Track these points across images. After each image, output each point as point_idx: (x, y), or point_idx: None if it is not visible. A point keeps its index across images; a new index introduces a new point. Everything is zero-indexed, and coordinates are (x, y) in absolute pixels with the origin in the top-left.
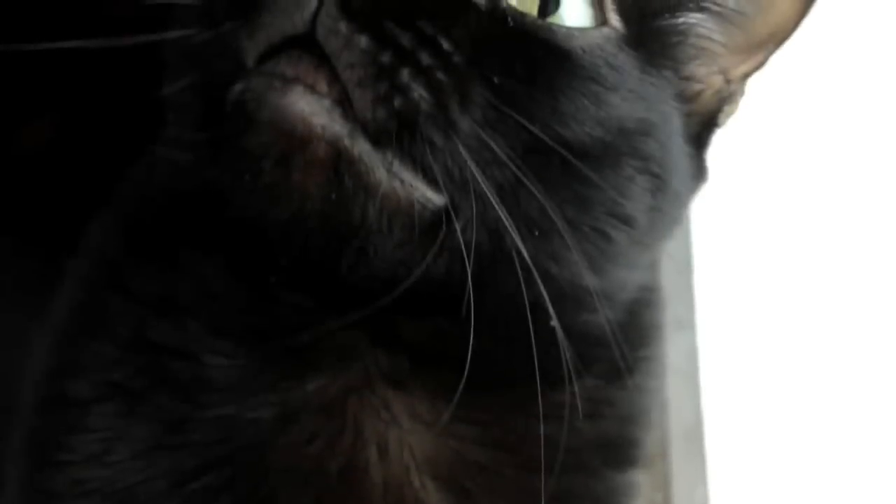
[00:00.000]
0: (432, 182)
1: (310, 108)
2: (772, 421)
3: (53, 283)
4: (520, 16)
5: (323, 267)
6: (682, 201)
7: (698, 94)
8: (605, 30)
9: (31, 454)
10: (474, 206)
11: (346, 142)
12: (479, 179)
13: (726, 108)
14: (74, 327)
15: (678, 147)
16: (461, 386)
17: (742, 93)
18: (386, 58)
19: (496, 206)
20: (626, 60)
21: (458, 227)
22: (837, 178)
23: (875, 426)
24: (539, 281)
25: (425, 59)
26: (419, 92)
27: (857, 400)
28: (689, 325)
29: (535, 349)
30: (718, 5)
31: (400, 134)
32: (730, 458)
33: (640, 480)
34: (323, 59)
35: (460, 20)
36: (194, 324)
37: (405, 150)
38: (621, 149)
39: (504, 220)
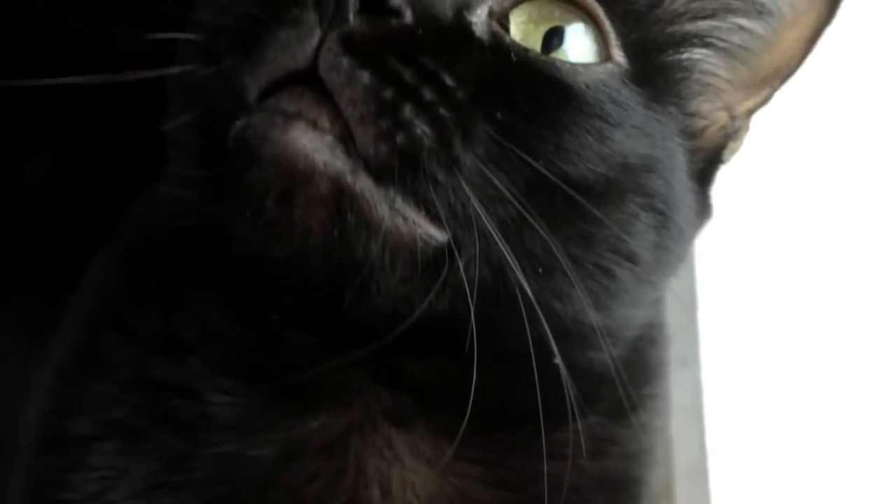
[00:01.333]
0: (435, 218)
1: (312, 144)
2: (776, 459)
3: (54, 322)
4: (523, 51)
5: (325, 304)
6: (686, 238)
7: (703, 130)
8: (609, 65)
9: (32, 493)
10: (477, 242)
11: (349, 178)
12: (482, 216)
13: (731, 145)
14: (75, 366)
15: (682, 183)
16: (464, 424)
17: (747, 129)
18: (388, 94)
19: (499, 242)
20: (630, 96)
21: (460, 263)
22: (842, 216)
23: (886, 463)
24: (542, 318)
25: (428, 94)
26: (422, 128)
27: (863, 439)
28: (693, 363)
29: (538, 387)
30: (723, 41)
31: (402, 170)
32: (734, 496)
33: None
34: (325, 95)
35: (463, 56)
36: (196, 361)
37: (408, 187)
38: (625, 185)
39: (507, 256)
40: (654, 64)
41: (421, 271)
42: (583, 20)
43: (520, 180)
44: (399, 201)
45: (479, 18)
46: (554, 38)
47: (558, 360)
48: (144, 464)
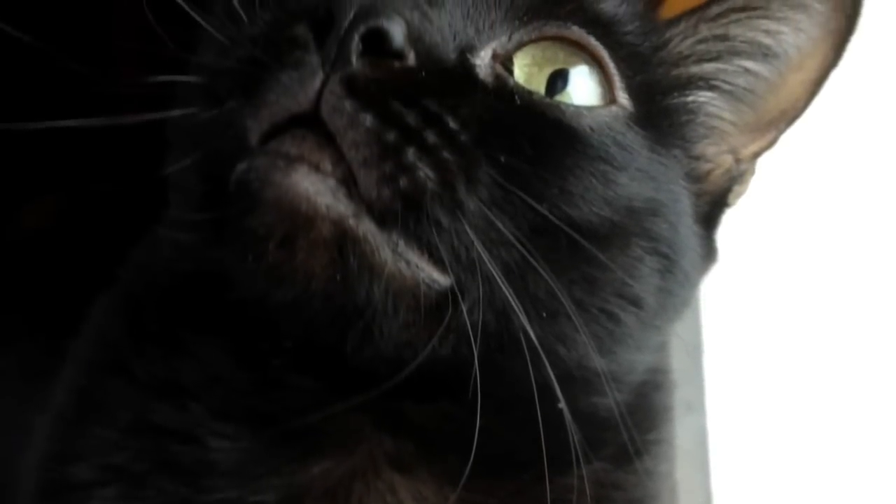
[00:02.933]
0: (438, 263)
1: (314, 187)
2: None
3: (55, 367)
4: (527, 94)
5: (327, 349)
6: (691, 282)
7: (708, 173)
8: (614, 108)
9: None
10: (481, 287)
11: (351, 221)
12: (486, 260)
13: (736, 188)
14: (75, 411)
15: (687, 227)
16: (467, 469)
17: (752, 172)
18: (391, 136)
19: (503, 287)
20: (634, 139)
21: (464, 308)
22: (846, 261)
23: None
24: (546, 363)
25: (431, 137)
26: (425, 171)
27: (871, 477)
28: (698, 408)
29: (542, 432)
30: (729, 84)
31: (405, 214)
32: None
33: None
34: (328, 138)
35: (467, 98)
36: (197, 406)
37: (411, 231)
38: (630, 229)
39: (511, 301)
40: (658, 106)
41: (424, 316)
42: (587, 63)
43: (523, 224)
44: (402, 245)
45: (482, 61)
46: (558, 80)
47: (562, 405)
48: None
